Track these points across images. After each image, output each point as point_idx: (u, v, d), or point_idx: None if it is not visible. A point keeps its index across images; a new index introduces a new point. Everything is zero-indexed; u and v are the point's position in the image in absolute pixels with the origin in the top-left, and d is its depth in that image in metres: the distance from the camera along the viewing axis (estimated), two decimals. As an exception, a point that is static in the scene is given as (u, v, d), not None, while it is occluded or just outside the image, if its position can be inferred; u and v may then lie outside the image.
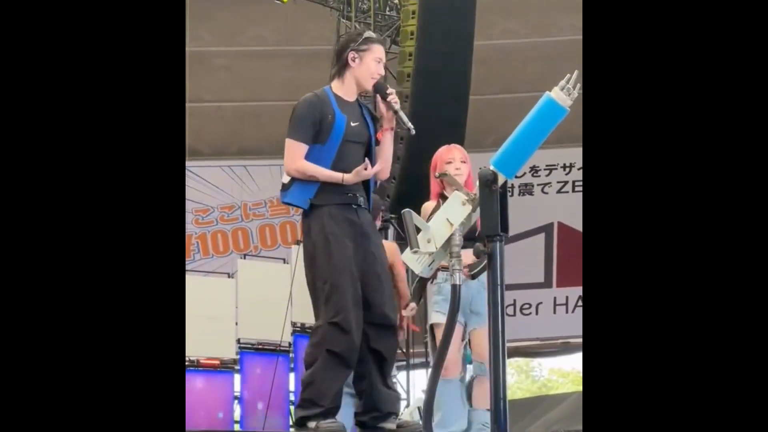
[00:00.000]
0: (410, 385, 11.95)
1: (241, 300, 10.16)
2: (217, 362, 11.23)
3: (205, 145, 13.79)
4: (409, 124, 4.76)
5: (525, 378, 31.66)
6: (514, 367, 28.71)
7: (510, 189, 3.01)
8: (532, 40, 13.17)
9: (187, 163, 13.59)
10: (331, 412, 4.54)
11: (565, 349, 15.14)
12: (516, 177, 3.20)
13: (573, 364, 27.02)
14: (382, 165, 4.76)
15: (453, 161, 5.50)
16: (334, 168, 4.61)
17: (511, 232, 2.89)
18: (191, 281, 8.01)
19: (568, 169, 14.20)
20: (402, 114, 4.73)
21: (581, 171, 13.92)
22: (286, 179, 4.71)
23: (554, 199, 14.24)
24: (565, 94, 2.89)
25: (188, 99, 12.38)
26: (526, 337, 14.61)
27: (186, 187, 13.79)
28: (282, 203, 4.92)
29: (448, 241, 2.95)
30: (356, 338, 4.52)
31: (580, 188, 13.99)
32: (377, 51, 4.76)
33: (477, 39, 9.82)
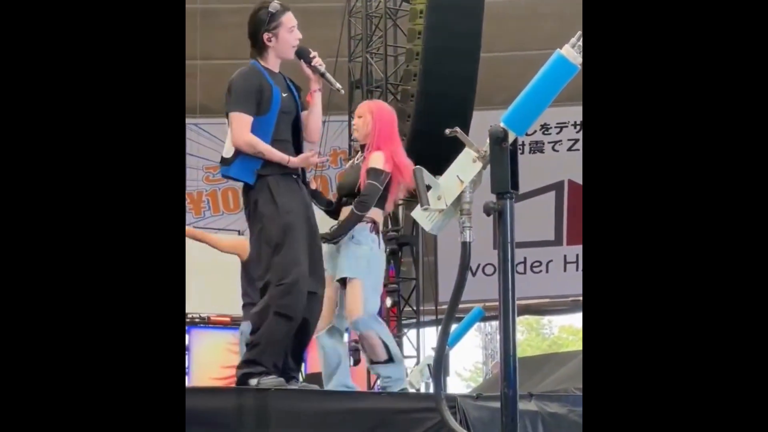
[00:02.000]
0: (420, 343, 12.01)
1: (252, 257, 10.17)
2: (227, 319, 11.30)
3: (217, 102, 13.72)
4: (338, 85, 4.82)
5: (535, 336, 31.80)
6: (524, 324, 28.80)
7: (520, 147, 3.01)
8: (544, -4, 13.10)
9: (199, 120, 13.59)
10: (274, 373, 4.57)
11: (575, 306, 15.18)
12: (526, 135, 3.20)
13: (583, 322, 27.17)
14: (312, 126, 4.83)
15: (354, 117, 5.67)
16: (273, 140, 4.65)
17: (522, 189, 2.90)
18: (202, 238, 8.02)
19: (578, 127, 14.15)
20: (329, 75, 4.78)
21: (592, 129, 13.87)
22: (228, 153, 4.72)
23: (565, 157, 14.21)
24: (576, 51, 2.89)
25: (200, 56, 12.43)
26: (537, 294, 14.68)
27: (197, 144, 13.83)
28: (223, 177, 4.94)
29: (459, 199, 2.96)
30: (304, 298, 4.58)
31: (591, 146, 13.94)
32: (288, 21, 4.77)
33: (488, -5, 9.77)
